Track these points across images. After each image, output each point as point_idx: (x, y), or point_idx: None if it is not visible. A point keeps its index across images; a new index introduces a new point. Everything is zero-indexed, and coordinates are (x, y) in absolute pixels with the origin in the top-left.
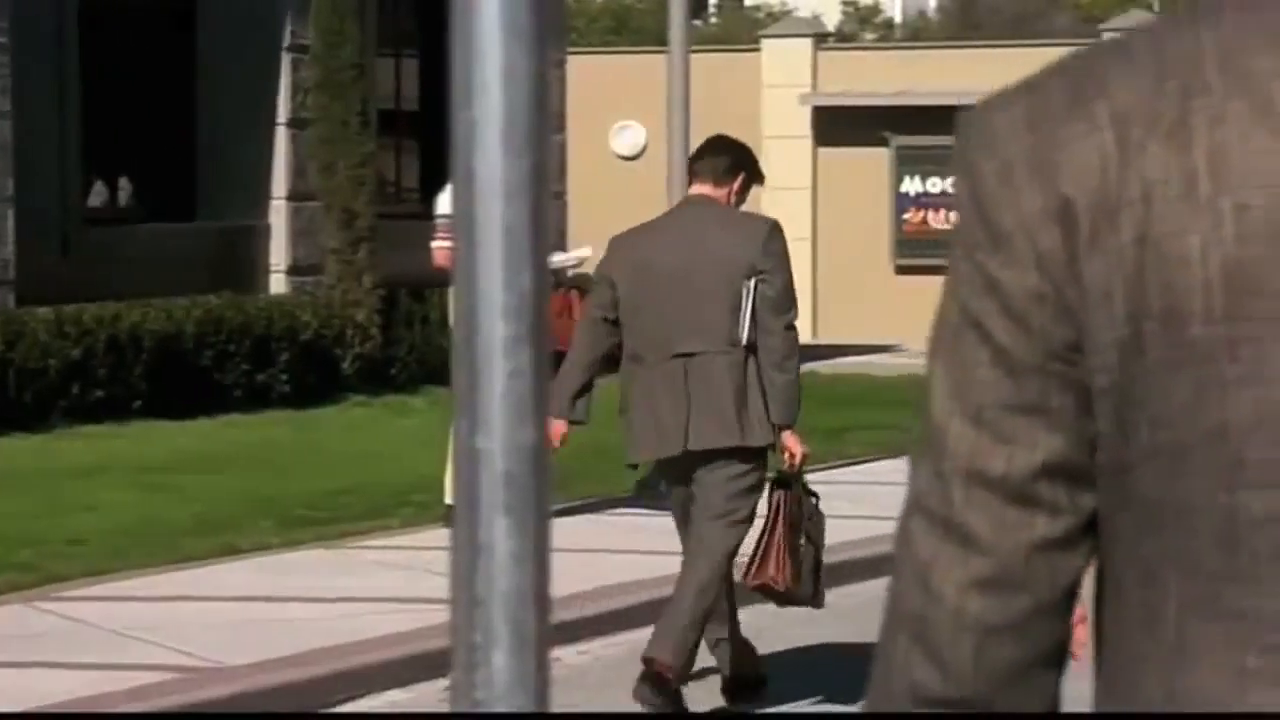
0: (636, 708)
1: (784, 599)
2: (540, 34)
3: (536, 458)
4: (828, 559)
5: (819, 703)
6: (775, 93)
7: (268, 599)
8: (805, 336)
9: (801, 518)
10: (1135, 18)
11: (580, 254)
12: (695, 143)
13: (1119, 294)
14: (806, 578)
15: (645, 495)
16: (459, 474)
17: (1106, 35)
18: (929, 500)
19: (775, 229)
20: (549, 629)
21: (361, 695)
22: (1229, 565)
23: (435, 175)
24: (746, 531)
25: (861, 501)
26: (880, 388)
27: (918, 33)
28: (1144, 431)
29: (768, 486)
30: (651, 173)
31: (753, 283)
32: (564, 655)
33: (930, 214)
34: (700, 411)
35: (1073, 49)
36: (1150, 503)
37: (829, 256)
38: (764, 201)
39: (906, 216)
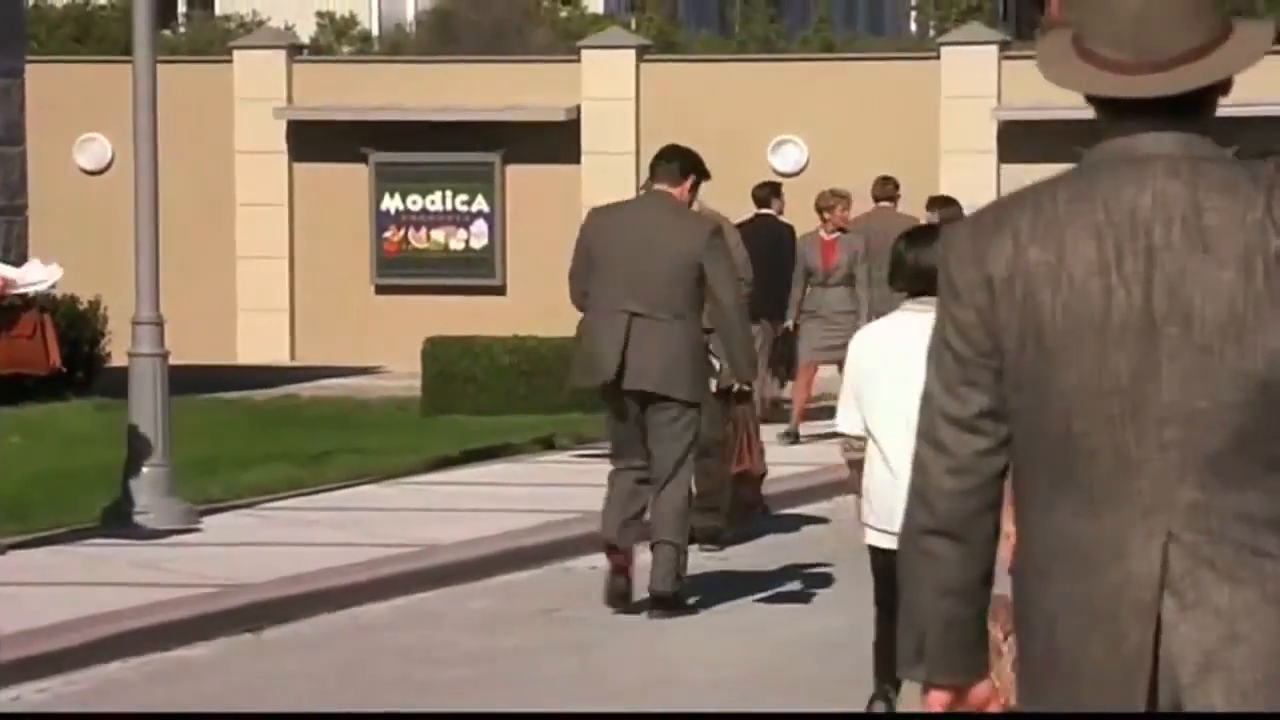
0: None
1: (748, 494)
2: None
3: None
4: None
5: None
6: (248, 105)
7: None
8: (283, 359)
9: (757, 420)
10: (612, 35)
11: (50, 273)
12: (164, 156)
13: (1014, 323)
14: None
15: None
16: None
17: (585, 53)
18: (925, 429)
19: (717, 229)
20: None
21: None
22: (1066, 459)
23: None
24: (689, 465)
25: (345, 528)
26: (362, 411)
27: (396, 46)
28: (1026, 390)
29: (733, 399)
30: (118, 187)
31: (702, 270)
32: (23, 693)
33: (411, 232)
34: (639, 358)
35: (1001, 200)
36: (1032, 429)
37: (306, 276)
38: (238, 218)
39: (387, 235)
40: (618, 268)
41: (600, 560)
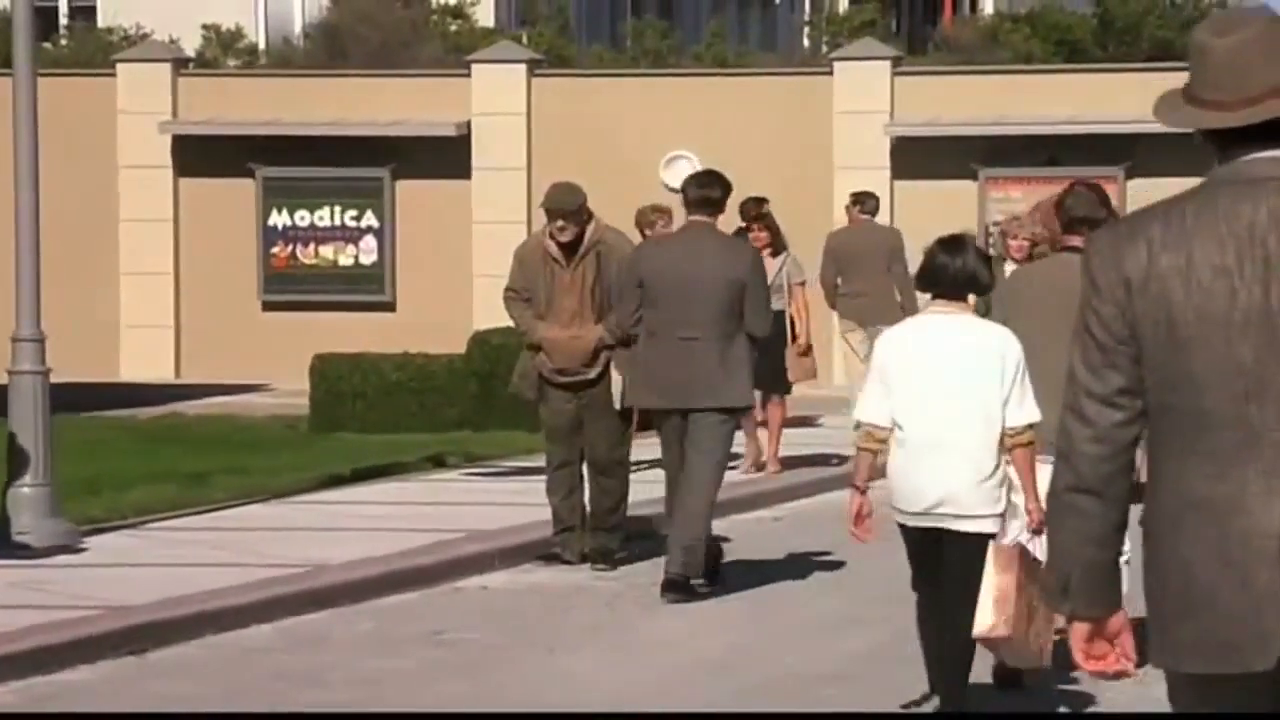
0: None
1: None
2: None
3: None
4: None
5: None
6: (132, 119)
7: None
8: (168, 376)
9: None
10: (503, 49)
11: None
12: (46, 171)
13: (1150, 316)
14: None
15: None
16: None
17: (475, 67)
18: (1070, 403)
19: (757, 255)
20: None
21: None
22: (1197, 429)
23: None
24: (725, 468)
25: (229, 548)
26: (248, 429)
27: (284, 60)
28: (1159, 372)
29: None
30: None
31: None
32: None
33: (299, 248)
34: (695, 380)
35: (1136, 211)
36: (1164, 404)
37: (192, 293)
38: (122, 233)
39: (274, 251)
40: (670, 297)
41: (490, 580)
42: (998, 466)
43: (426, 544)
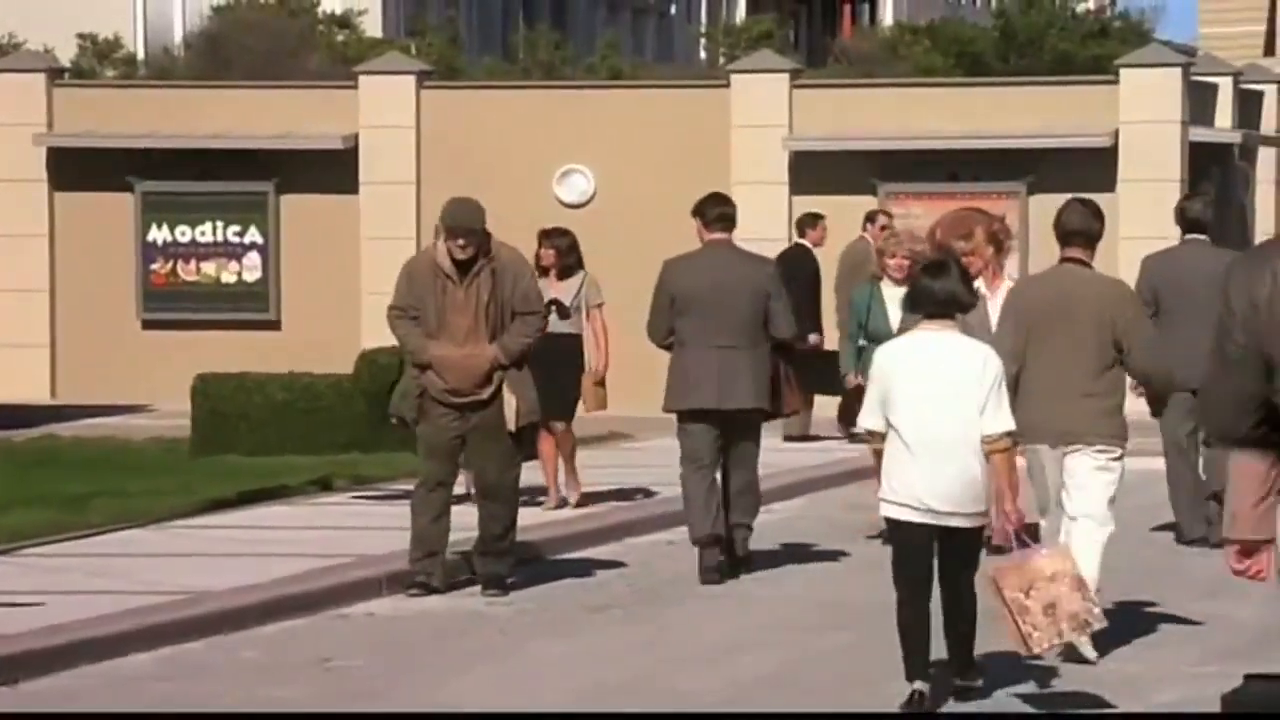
0: None
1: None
2: None
3: None
4: None
5: None
6: (4, 131)
7: None
8: (44, 398)
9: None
10: (391, 61)
11: None
12: None
13: (1273, 330)
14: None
15: None
16: None
17: (363, 79)
18: (1211, 372)
19: (775, 264)
20: None
21: None
22: None
23: None
24: (759, 454)
25: (107, 575)
26: (127, 452)
27: (164, 70)
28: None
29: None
30: None
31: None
32: None
33: (180, 264)
34: (728, 384)
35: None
36: None
37: (68, 311)
38: None
39: (154, 267)
40: (703, 309)
41: (377, 606)
42: (983, 468)
43: (312, 569)
